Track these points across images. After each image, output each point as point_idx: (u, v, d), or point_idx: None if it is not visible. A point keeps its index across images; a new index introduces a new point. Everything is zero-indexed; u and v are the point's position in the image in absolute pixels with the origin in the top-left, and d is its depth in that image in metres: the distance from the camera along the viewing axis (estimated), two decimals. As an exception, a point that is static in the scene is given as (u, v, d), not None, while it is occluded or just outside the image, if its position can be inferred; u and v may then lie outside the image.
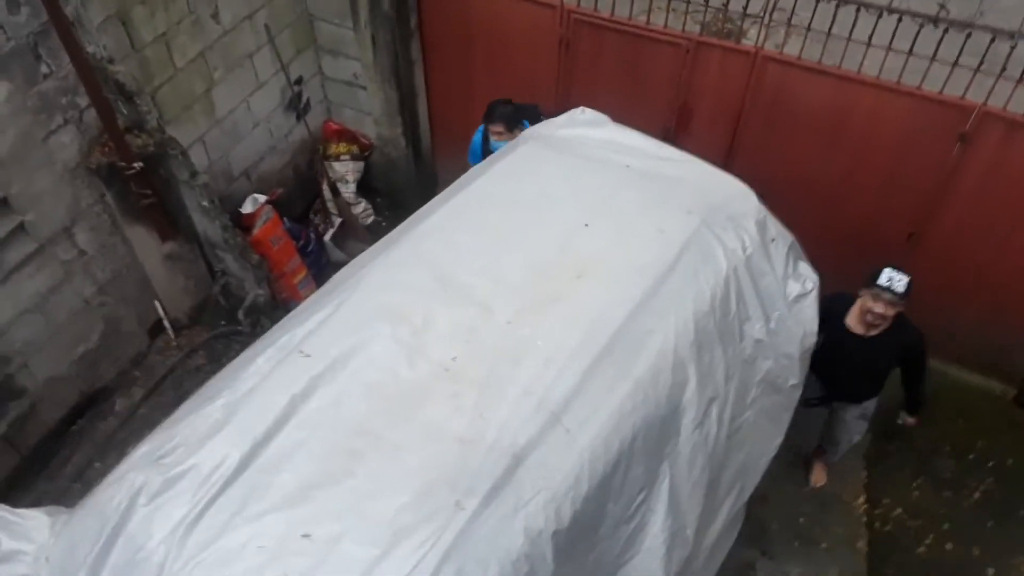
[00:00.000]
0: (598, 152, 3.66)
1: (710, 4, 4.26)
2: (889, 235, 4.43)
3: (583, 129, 3.83)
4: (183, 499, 2.42)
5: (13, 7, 3.56)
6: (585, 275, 3.04)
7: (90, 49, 3.86)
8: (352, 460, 2.49)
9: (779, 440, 3.46)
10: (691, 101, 4.52)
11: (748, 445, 3.29)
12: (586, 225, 3.23)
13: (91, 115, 4.01)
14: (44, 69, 3.79)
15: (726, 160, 4.45)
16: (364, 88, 5.44)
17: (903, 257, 4.42)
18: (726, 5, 4.16)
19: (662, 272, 3.06)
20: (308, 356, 2.75)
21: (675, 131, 4.61)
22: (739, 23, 4.43)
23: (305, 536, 2.32)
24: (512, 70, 4.97)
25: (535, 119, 4.24)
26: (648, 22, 4.35)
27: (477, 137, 4.58)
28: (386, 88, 5.35)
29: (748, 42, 4.34)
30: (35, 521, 2.65)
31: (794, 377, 3.41)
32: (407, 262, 3.14)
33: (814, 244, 3.66)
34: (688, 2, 4.19)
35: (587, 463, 2.56)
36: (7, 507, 2.70)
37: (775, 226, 3.46)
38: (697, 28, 4.40)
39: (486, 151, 4.38)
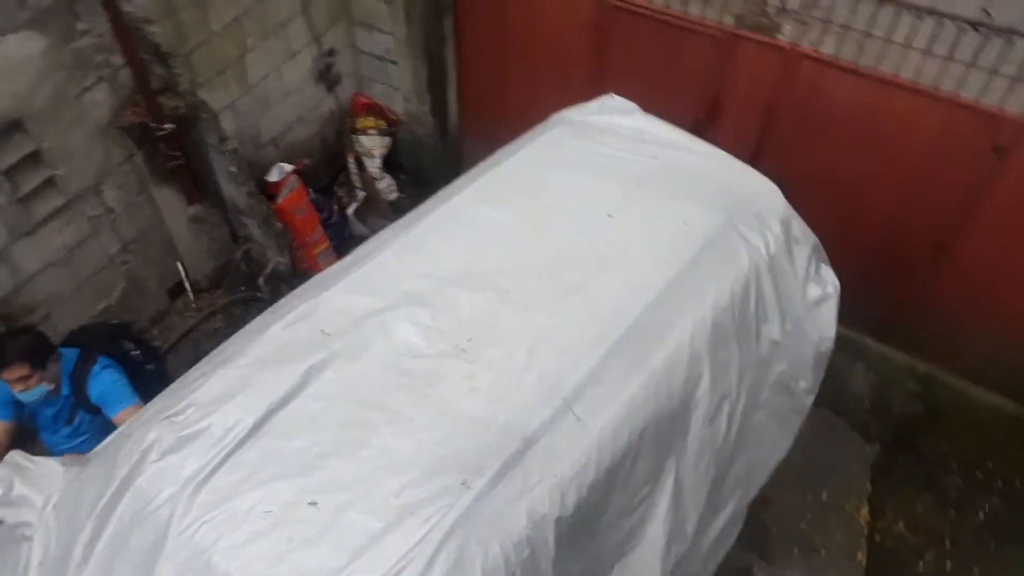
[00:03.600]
0: (626, 141, 3.65)
1: (749, -3, 4.21)
2: (915, 245, 4.38)
3: (612, 116, 3.81)
4: (194, 458, 2.45)
5: (53, -38, 3.59)
6: (607, 266, 3.04)
7: (128, 8, 3.89)
8: (364, 432, 2.51)
9: (787, 444, 3.45)
10: (723, 94, 4.48)
11: (756, 446, 3.29)
12: (610, 216, 3.22)
13: (125, 74, 4.05)
14: (81, 26, 3.83)
15: (754, 156, 4.40)
16: (395, 63, 5.43)
17: (928, 268, 4.39)
18: (765, -1, 4.11)
19: (684, 266, 3.05)
20: (326, 332, 2.77)
21: (705, 123, 4.57)
22: (775, 18, 4.37)
23: (312, 504, 2.35)
24: (545, 53, 4.94)
25: (85, 356, 3.24)
26: (685, 11, 4.30)
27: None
28: (417, 64, 5.34)
29: (783, 37, 4.29)
30: (48, 469, 2.71)
31: (806, 381, 3.39)
32: (428, 242, 3.15)
33: (838, 249, 3.63)
34: (727, -7, 4.15)
35: (596, 452, 2.57)
36: (23, 453, 2.76)
37: (799, 226, 3.43)
38: (733, 20, 4.36)
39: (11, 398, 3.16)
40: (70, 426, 3.29)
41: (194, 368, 2.89)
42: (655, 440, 2.77)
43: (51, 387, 3.09)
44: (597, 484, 2.57)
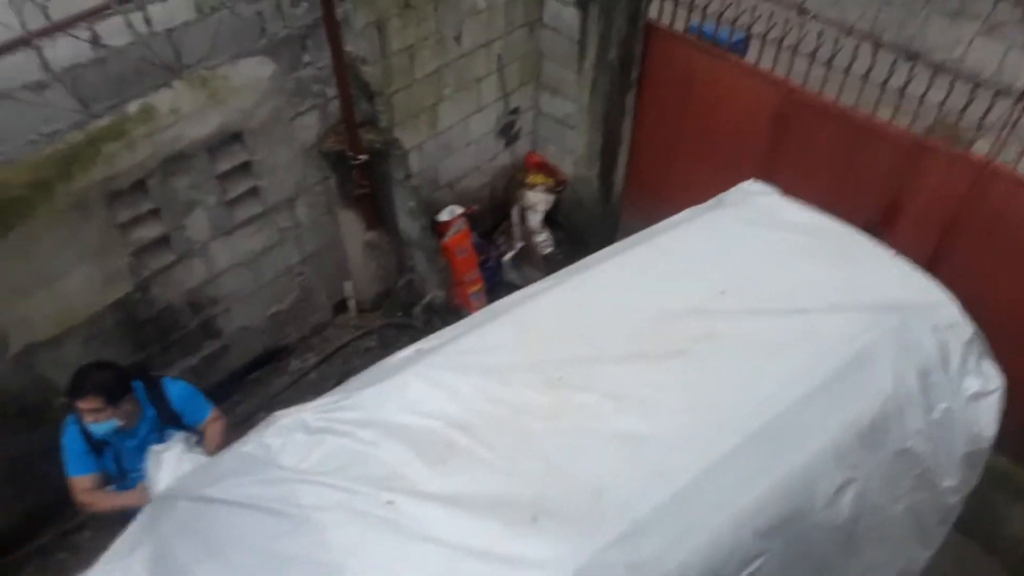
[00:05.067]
0: (792, 231, 3.62)
1: (944, 106, 4.14)
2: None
3: (773, 205, 3.78)
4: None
5: (296, 0, 4.06)
6: (751, 358, 3.01)
7: (348, 48, 4.32)
8: (451, 452, 2.65)
9: (926, 554, 3.21)
10: (901, 200, 4.39)
11: (887, 545, 3.09)
12: (763, 304, 3.19)
13: (334, 105, 4.47)
14: (306, 58, 4.28)
15: (927, 266, 4.26)
16: (572, 128, 5.68)
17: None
18: (962, 111, 4.02)
19: (830, 373, 2.95)
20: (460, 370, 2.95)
21: (878, 228, 4.47)
22: (970, 131, 4.27)
23: (389, 503, 2.48)
24: (720, 137, 5.02)
25: (148, 378, 3.38)
26: (873, 114, 4.28)
27: (71, 434, 3.28)
28: (593, 132, 5.56)
29: (977, 152, 4.17)
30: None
31: (951, 479, 3.15)
32: (569, 303, 3.26)
33: (1013, 375, 3.41)
34: (921, 102, 4.09)
35: (672, 501, 2.55)
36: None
37: (958, 312, 3.26)
38: (923, 129, 4.29)
39: (93, 444, 3.26)
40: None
41: (349, 381, 3.09)
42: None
43: (121, 423, 3.18)
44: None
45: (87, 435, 3.22)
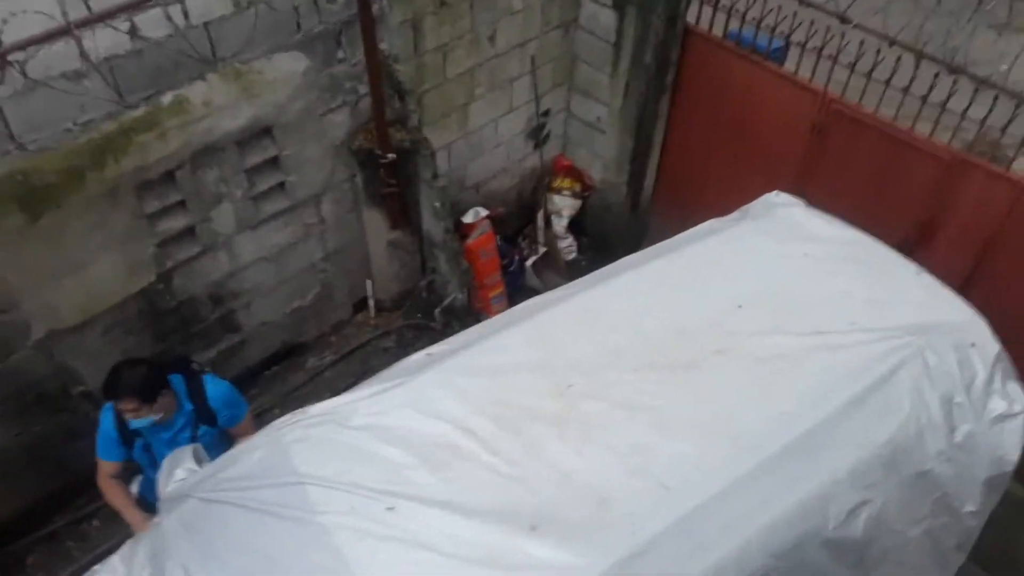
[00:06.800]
0: (824, 249, 3.54)
1: (986, 122, 4.04)
2: None
3: (792, 215, 3.72)
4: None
5: (332, -4, 4.04)
6: (777, 375, 2.96)
7: (382, 46, 4.29)
8: (455, 457, 2.64)
9: None
10: (938, 217, 4.29)
11: (904, 569, 3.02)
12: (785, 322, 3.14)
13: (365, 103, 4.43)
14: (340, 55, 4.25)
15: (963, 287, 4.16)
16: (603, 132, 5.62)
17: None
18: (1005, 127, 3.93)
19: (856, 392, 2.90)
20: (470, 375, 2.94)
21: (913, 243, 4.39)
22: (1011, 149, 4.17)
23: (389, 508, 2.49)
24: (754, 145, 4.95)
25: (190, 373, 3.37)
26: (913, 128, 4.19)
27: (107, 420, 3.31)
28: (624, 136, 5.50)
29: (1017, 170, 4.08)
30: None
31: (972, 503, 3.07)
32: (588, 313, 3.23)
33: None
34: (962, 118, 4.00)
35: (682, 519, 2.52)
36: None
37: (984, 332, 3.19)
38: (962, 145, 4.20)
39: (126, 434, 3.28)
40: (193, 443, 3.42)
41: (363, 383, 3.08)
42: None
43: (158, 417, 3.18)
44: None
45: (121, 424, 3.22)
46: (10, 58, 3.01)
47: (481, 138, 5.30)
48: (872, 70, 4.17)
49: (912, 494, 2.94)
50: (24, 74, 3.08)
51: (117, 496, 3.37)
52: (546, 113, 5.60)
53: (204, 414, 3.35)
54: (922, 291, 3.35)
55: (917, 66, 4.04)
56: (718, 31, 4.83)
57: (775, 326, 3.12)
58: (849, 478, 2.76)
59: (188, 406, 3.32)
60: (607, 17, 5.07)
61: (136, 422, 3.15)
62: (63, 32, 3.08)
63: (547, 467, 2.62)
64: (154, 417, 3.16)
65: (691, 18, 4.91)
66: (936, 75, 3.99)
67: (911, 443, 2.91)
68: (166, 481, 2.93)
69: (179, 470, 2.96)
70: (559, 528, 2.45)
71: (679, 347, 3.03)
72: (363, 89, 4.38)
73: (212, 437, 3.39)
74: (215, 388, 3.38)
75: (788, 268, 3.39)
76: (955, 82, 3.97)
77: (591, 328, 3.13)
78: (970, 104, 3.98)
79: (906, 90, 4.10)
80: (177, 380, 3.30)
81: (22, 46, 3.02)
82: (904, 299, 3.28)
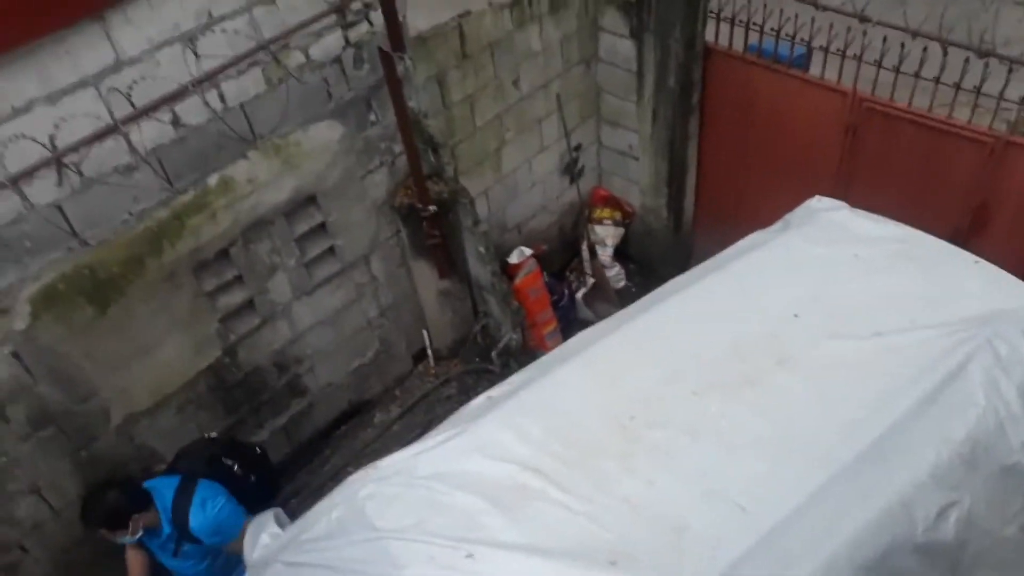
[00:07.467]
0: (874, 249, 3.49)
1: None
2: None
3: (836, 218, 3.67)
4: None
5: (358, 63, 4.18)
6: (847, 382, 2.91)
7: (411, 104, 4.43)
8: (526, 498, 2.64)
9: None
10: (991, 202, 4.20)
11: (1005, 571, 2.93)
12: (845, 329, 3.09)
13: (402, 160, 4.56)
14: (372, 117, 4.39)
15: (1025, 270, 4.06)
16: (636, 159, 5.66)
17: None
18: (1046, 105, 3.85)
19: (924, 394, 2.84)
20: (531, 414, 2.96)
21: (967, 233, 4.30)
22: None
23: (468, 556, 2.49)
24: (789, 153, 4.93)
25: (184, 496, 3.42)
26: (950, 115, 4.13)
27: None
28: (657, 160, 5.53)
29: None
30: None
31: None
32: (647, 337, 3.24)
33: None
34: (999, 100, 3.93)
35: (762, 540, 2.47)
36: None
37: None
38: (1005, 126, 4.12)
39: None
40: (176, 559, 3.53)
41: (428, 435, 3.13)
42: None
43: (136, 536, 3.33)
44: None
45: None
46: (65, 160, 3.20)
47: (516, 180, 5.39)
48: (900, 64, 4.14)
49: (1001, 490, 2.85)
50: (80, 173, 3.27)
51: (134, 569, 3.55)
52: (578, 147, 5.67)
53: (186, 538, 3.43)
54: (982, 280, 3.27)
55: (945, 54, 3.99)
56: (738, 46, 4.86)
57: (832, 332, 3.09)
58: (931, 480, 2.69)
59: (167, 529, 3.42)
60: (626, 47, 5.14)
61: (121, 539, 3.35)
62: (111, 130, 3.27)
63: (619, 500, 2.62)
64: (130, 537, 3.34)
65: (709, 36, 4.94)
66: (966, 60, 3.94)
67: (992, 437, 2.82)
68: (252, 547, 3.01)
69: (264, 535, 3.02)
70: (638, 561, 2.44)
71: (737, 364, 3.01)
72: (398, 148, 4.51)
73: (199, 550, 3.49)
74: (201, 519, 3.40)
75: (839, 272, 3.35)
76: (987, 65, 3.91)
77: (646, 355, 3.13)
78: (1006, 85, 3.91)
79: (937, 80, 4.05)
80: (166, 497, 3.43)
81: (75, 148, 3.21)
82: (964, 291, 3.21)
